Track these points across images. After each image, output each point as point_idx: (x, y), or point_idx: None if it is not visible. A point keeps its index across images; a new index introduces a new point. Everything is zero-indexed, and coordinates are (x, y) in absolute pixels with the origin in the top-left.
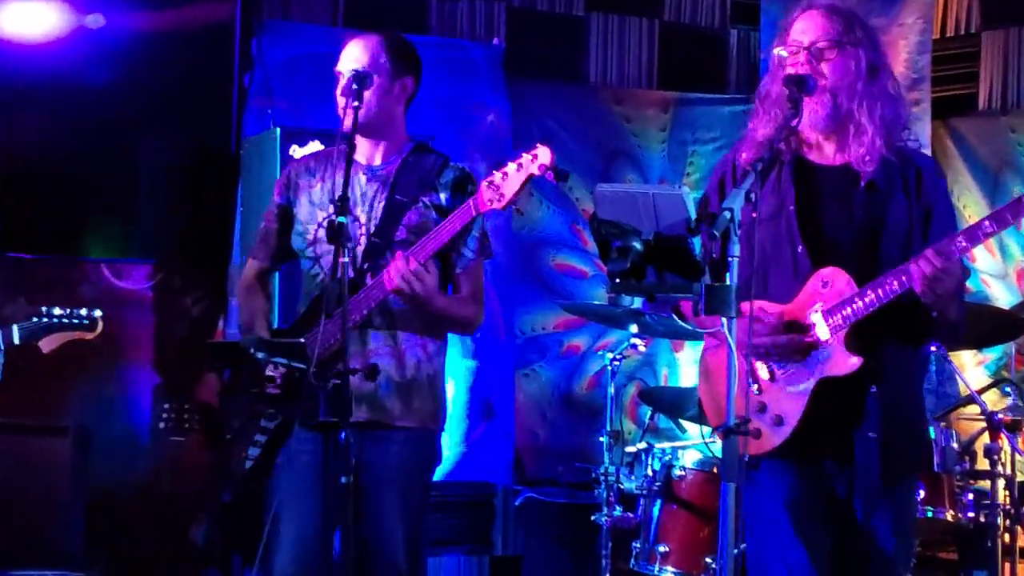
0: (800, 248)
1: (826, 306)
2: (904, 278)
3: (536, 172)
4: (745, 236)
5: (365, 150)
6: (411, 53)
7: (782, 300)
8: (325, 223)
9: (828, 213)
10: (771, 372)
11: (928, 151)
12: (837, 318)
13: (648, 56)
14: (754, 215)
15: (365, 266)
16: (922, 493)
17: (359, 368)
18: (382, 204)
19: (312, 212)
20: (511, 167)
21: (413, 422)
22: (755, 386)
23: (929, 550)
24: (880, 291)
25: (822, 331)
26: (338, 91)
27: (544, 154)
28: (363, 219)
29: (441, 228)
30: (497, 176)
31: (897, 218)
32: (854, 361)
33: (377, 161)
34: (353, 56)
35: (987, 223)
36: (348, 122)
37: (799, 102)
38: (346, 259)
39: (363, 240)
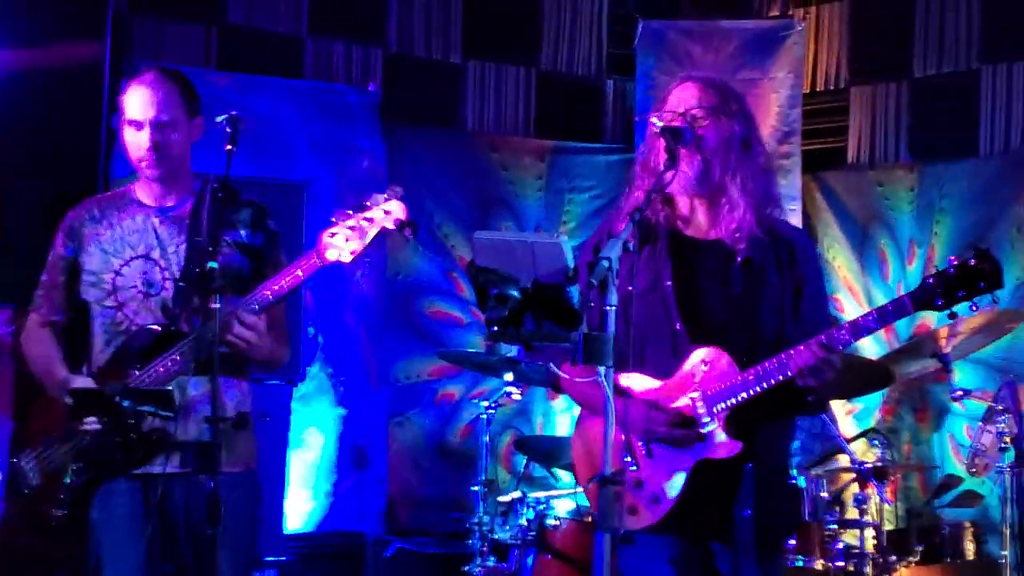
0: (678, 325)
1: (707, 389)
2: (786, 368)
3: (390, 227)
4: (620, 309)
5: (153, 192)
6: (197, 92)
7: (660, 375)
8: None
9: (705, 290)
10: (649, 449)
11: (798, 204)
12: (720, 405)
13: (525, 104)
14: (629, 288)
15: (177, 312)
16: (793, 542)
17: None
18: (183, 247)
19: (106, 260)
20: (360, 220)
21: (239, 466)
22: (630, 460)
23: None
24: (763, 381)
25: (702, 412)
26: (139, 136)
27: (398, 208)
28: (164, 263)
29: (280, 279)
30: (342, 227)
31: (772, 295)
32: (734, 446)
33: (169, 202)
34: (153, 101)
35: (871, 320)
36: (151, 172)
37: (675, 153)
38: (218, 304)
39: (169, 286)
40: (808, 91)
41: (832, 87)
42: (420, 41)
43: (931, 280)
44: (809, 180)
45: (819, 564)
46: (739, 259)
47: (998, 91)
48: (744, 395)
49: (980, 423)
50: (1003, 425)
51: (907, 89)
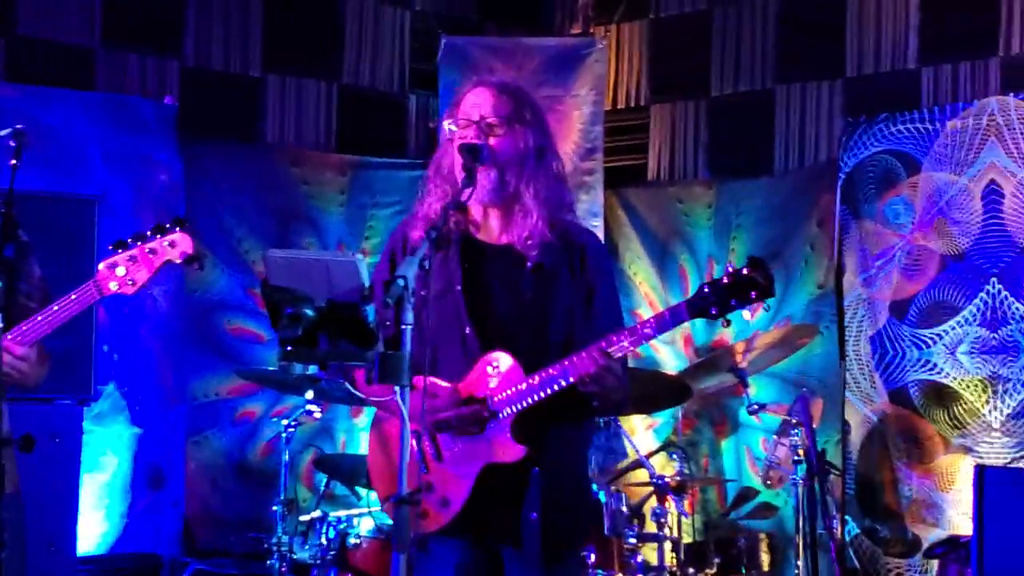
0: (468, 329)
1: (494, 393)
2: (568, 374)
3: (176, 260)
4: (416, 313)
5: None
6: None
7: (452, 379)
8: None
9: (496, 294)
10: (439, 452)
11: (601, 220)
12: (506, 410)
13: (326, 119)
14: (423, 293)
15: None
16: (593, 557)
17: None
18: None
19: None
20: (144, 251)
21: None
22: (423, 466)
23: None
24: (547, 387)
25: (488, 417)
26: None
27: (185, 242)
28: None
29: (57, 311)
30: (123, 258)
31: (562, 299)
32: (519, 449)
33: None
34: None
35: (649, 327)
36: None
37: (473, 171)
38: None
39: None
40: (610, 108)
41: (633, 105)
42: (218, 54)
43: (707, 289)
44: (611, 196)
45: None
46: (530, 264)
47: (792, 110)
48: (529, 400)
49: (775, 436)
50: (797, 438)
51: (705, 107)
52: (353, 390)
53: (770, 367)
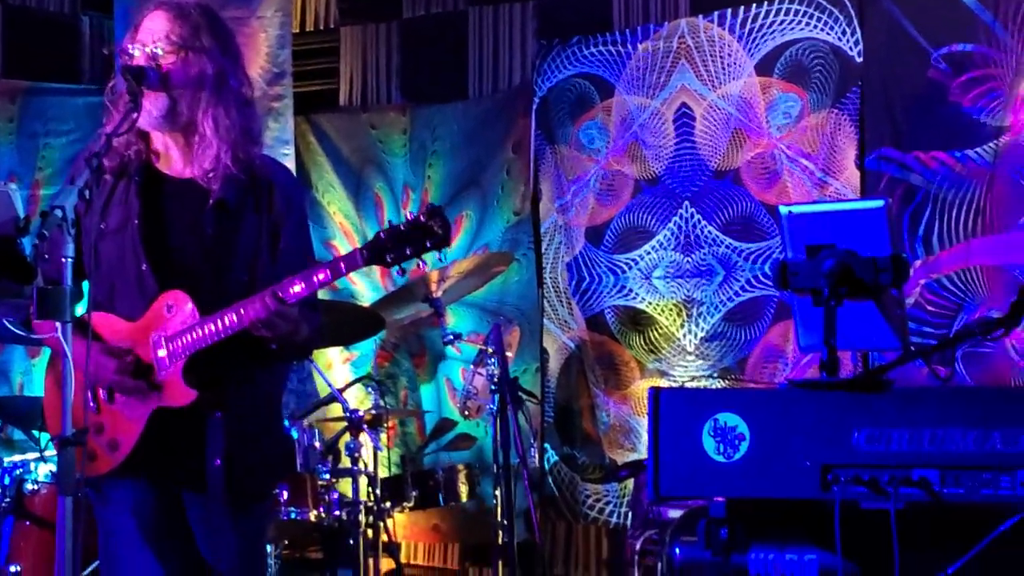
0: (144, 266)
1: (167, 333)
2: (242, 319)
3: None
4: (91, 248)
5: None
6: None
7: (128, 317)
8: None
9: (176, 230)
10: (111, 394)
11: (292, 148)
12: (176, 347)
13: None
14: (102, 227)
15: None
16: (286, 495)
17: None
18: None
19: None
20: None
21: None
22: (94, 406)
23: (296, 551)
24: (218, 324)
25: (161, 357)
26: None
27: None
28: None
29: None
30: None
31: (247, 238)
32: (189, 393)
33: None
34: None
35: (322, 273)
36: None
37: (138, 95)
38: None
39: None
40: (298, 31)
41: (322, 27)
42: None
43: (383, 235)
44: (302, 123)
45: (313, 515)
46: (212, 200)
47: (485, 33)
48: (204, 343)
49: (472, 366)
50: (493, 368)
51: (397, 30)
52: (14, 328)
53: (467, 296)
